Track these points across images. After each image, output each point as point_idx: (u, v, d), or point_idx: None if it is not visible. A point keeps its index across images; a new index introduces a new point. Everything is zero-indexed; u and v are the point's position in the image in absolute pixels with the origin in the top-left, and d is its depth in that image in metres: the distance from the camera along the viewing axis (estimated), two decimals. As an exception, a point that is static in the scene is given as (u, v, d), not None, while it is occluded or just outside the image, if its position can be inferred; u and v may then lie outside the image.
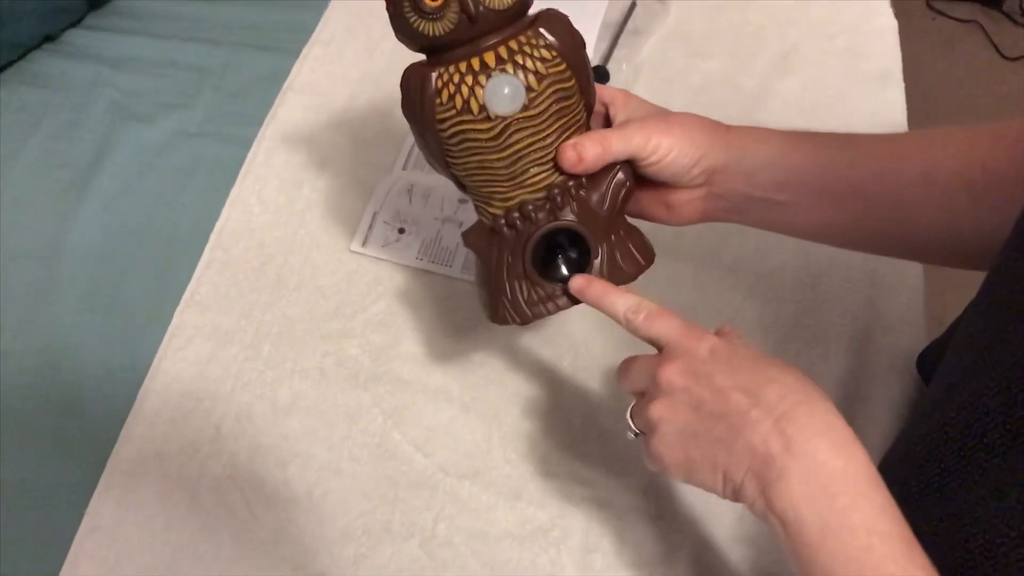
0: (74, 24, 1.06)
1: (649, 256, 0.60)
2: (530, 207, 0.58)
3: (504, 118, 0.54)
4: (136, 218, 0.89)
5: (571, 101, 0.57)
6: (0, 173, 0.92)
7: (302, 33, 1.03)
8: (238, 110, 0.97)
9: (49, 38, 1.05)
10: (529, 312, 0.59)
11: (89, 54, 1.03)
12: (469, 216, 0.84)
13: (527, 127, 0.55)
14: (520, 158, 0.56)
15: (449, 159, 0.57)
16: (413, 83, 0.55)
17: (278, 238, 0.85)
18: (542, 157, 0.57)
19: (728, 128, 0.60)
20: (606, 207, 0.59)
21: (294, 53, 1.01)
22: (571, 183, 0.58)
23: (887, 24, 1.03)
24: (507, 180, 0.57)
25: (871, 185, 0.58)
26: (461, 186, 0.61)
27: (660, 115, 0.61)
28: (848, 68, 0.98)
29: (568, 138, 0.57)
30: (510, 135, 0.55)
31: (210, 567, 0.67)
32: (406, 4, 0.54)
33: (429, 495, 0.70)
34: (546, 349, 0.77)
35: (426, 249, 0.83)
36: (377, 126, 0.94)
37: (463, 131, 0.55)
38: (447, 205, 0.85)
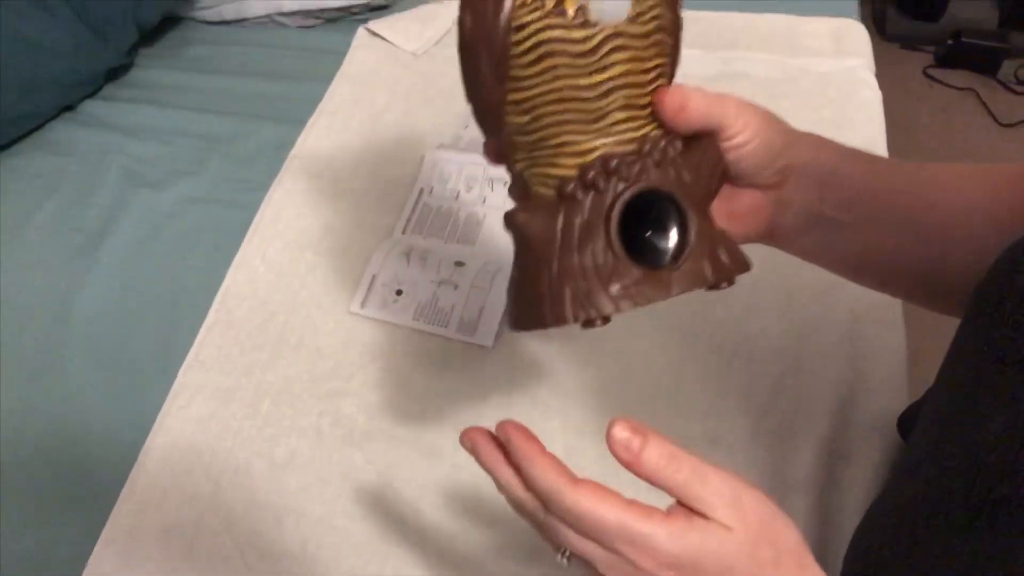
0: (91, 95, 1.11)
1: (746, 259, 0.50)
2: (616, 162, 0.45)
3: (605, 26, 0.44)
4: (144, 280, 0.92)
5: (667, 44, 0.47)
6: (14, 236, 0.96)
7: (308, 104, 1.08)
8: (245, 177, 1.01)
9: (67, 108, 1.10)
10: (610, 303, 0.45)
11: (104, 123, 1.08)
12: (464, 278, 0.87)
13: (628, 48, 0.45)
14: (612, 90, 0.45)
15: (514, 92, 0.46)
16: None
17: (280, 298, 0.88)
18: (635, 97, 0.46)
19: (807, 135, 0.57)
20: (701, 184, 0.48)
21: (300, 123, 1.06)
22: (664, 141, 0.47)
23: (872, 96, 1.07)
24: (592, 121, 0.46)
25: (922, 214, 0.57)
26: (510, 148, 0.49)
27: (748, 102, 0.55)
28: (834, 138, 1.01)
29: (664, 84, 0.48)
30: (608, 53, 0.44)
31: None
32: None
33: (420, 551, 0.71)
34: (535, 409, 0.79)
35: (422, 311, 0.85)
36: (378, 192, 0.97)
37: (548, 40, 0.44)
38: (443, 268, 0.88)
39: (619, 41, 0.44)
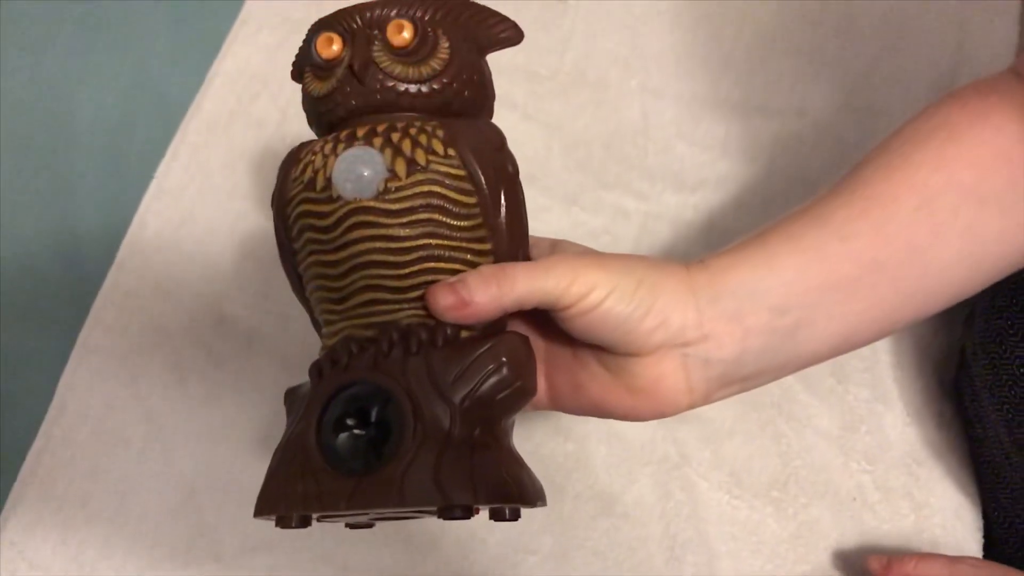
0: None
1: (525, 496, 0.39)
2: (350, 347, 0.40)
3: (346, 201, 0.40)
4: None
5: (460, 224, 0.41)
6: None
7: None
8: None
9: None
10: (286, 504, 0.38)
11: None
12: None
13: (373, 224, 0.40)
14: (355, 268, 0.41)
15: (300, 265, 0.44)
16: (287, 154, 0.45)
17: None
18: (389, 278, 0.40)
19: (685, 266, 0.43)
20: (460, 394, 0.38)
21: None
22: (425, 332, 0.40)
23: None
24: (338, 301, 0.42)
25: (874, 250, 0.42)
26: (313, 320, 0.46)
27: (594, 253, 0.45)
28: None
29: (447, 274, 0.41)
30: (348, 229, 0.40)
31: None
32: (306, 62, 0.45)
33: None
34: (615, 67, 0.78)
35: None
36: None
37: (303, 213, 0.42)
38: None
39: (358, 217, 0.40)
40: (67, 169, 0.81)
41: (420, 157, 0.40)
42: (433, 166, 0.40)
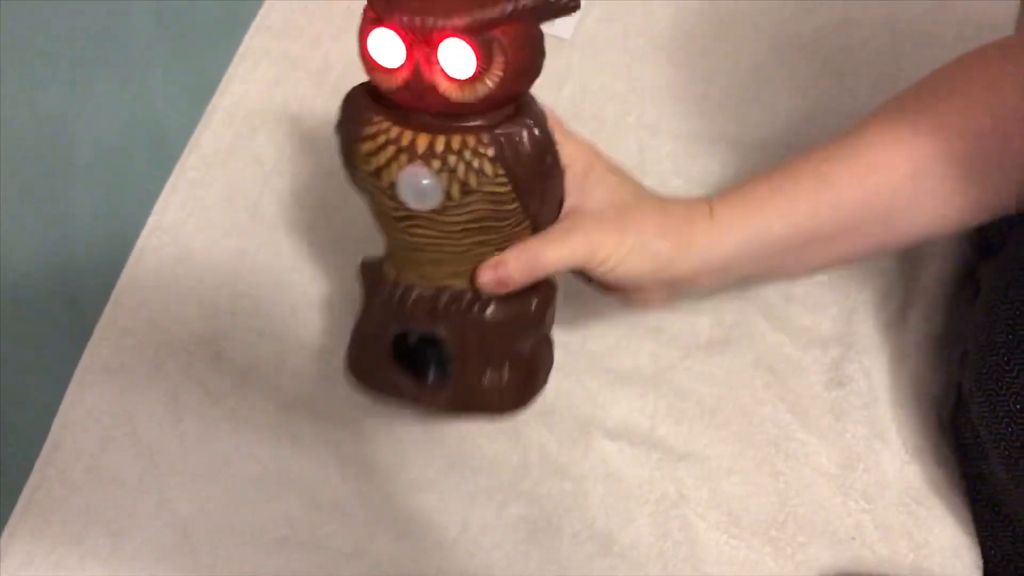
0: None
1: (537, 390, 0.56)
2: (414, 296, 0.52)
3: (409, 207, 0.48)
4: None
5: (504, 223, 0.50)
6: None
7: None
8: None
9: None
10: (372, 384, 0.56)
11: None
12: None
13: (433, 229, 0.49)
14: (419, 250, 0.51)
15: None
16: (354, 106, 0.49)
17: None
18: (447, 260, 0.51)
19: (693, 222, 0.52)
20: (503, 347, 0.53)
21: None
22: (469, 294, 0.52)
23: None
24: (408, 259, 0.52)
25: (859, 214, 0.51)
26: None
27: (614, 212, 0.52)
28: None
29: (489, 252, 0.51)
30: (412, 226, 0.49)
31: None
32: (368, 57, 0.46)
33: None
34: (612, 104, 0.79)
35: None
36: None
37: (369, 188, 0.50)
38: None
39: (421, 222, 0.49)
40: (64, 203, 0.82)
41: (472, 181, 0.46)
42: (484, 187, 0.47)
